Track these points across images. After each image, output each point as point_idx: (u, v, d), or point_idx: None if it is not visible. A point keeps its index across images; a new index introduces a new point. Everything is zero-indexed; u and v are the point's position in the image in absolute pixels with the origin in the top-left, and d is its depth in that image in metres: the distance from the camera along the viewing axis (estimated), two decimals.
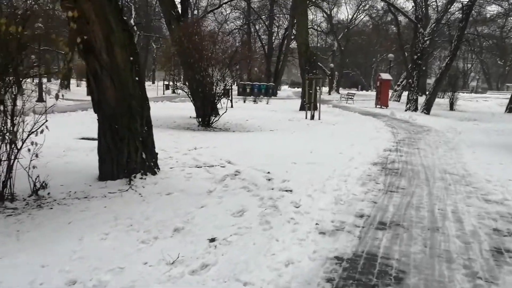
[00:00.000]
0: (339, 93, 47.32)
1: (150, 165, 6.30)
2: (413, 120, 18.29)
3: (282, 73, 45.39)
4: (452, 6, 36.80)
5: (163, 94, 33.51)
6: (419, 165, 7.99)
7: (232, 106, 21.56)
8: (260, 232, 4.24)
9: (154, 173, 6.33)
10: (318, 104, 17.01)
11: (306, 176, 6.59)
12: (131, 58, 6.02)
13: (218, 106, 13.77)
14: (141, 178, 6.08)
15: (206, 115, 12.95)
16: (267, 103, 26.62)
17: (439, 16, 34.74)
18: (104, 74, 5.78)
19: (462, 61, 65.05)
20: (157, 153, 6.64)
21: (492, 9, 54.50)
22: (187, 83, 12.81)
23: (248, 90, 36.30)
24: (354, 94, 32.57)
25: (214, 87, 12.82)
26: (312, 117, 16.41)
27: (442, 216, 4.94)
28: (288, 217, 4.65)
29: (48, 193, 5.29)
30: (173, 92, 32.64)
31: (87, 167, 6.48)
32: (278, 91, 50.31)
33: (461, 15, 22.35)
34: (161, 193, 5.60)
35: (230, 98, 21.81)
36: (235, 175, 6.68)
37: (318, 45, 65.51)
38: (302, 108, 19.55)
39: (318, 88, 17.36)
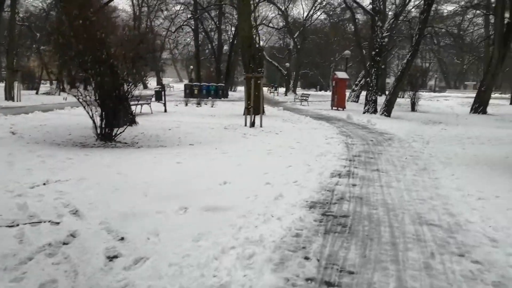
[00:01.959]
0: (296, 93, 44.88)
1: None
2: (372, 125, 15.80)
3: (233, 73, 42.48)
4: (411, 2, 35.32)
5: None
6: (379, 205, 5.24)
7: (165, 111, 18.49)
8: None
9: None
10: (261, 108, 14.19)
11: (185, 245, 3.71)
12: None
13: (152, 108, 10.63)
14: None
15: (107, 126, 9.85)
16: (212, 106, 23.63)
17: (398, 11, 32.94)
18: None
19: (421, 60, 64.34)
20: None
21: (449, 7, 53.83)
22: (77, 84, 9.71)
23: (196, 91, 33.19)
24: (309, 95, 30.03)
25: (118, 88, 9.73)
26: (253, 124, 13.57)
27: None
28: None
29: None
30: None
31: None
32: (233, 92, 47.45)
33: (422, 6, 20.15)
34: None
35: (163, 102, 18.73)
36: (64, 244, 3.79)
37: (277, 45, 63.21)
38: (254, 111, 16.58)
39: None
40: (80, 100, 9.54)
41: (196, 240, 3.82)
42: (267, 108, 23.82)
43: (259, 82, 14.53)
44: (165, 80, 70.53)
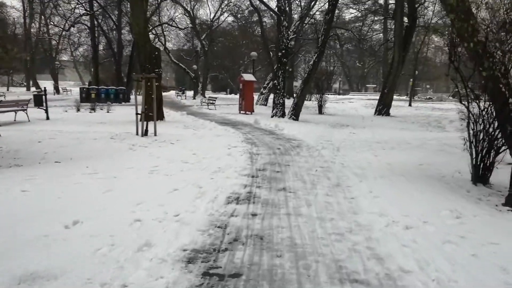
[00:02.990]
0: (205, 97, 43.27)
1: None
2: (280, 130, 14.74)
3: None
4: (315, 6, 35.58)
5: None
6: (286, 248, 3.86)
7: (48, 118, 15.86)
8: None
9: None
10: (154, 114, 12.37)
11: None
12: None
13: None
14: None
15: None
16: (107, 112, 21.20)
17: (303, 14, 32.87)
18: None
19: (325, 64, 66.18)
20: None
21: (351, 13, 56.02)
22: None
23: (93, 95, 30.17)
24: (216, 98, 28.61)
25: None
26: (145, 133, 11.73)
27: None
28: None
29: None
30: None
31: None
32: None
33: (327, 7, 19.68)
34: None
35: (44, 108, 16.09)
36: None
37: (186, 47, 61.01)
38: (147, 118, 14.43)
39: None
40: None
41: None
42: (170, 112, 22.02)
43: (155, 84, 12.68)
44: (64, 84, 65.03)
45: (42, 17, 48.63)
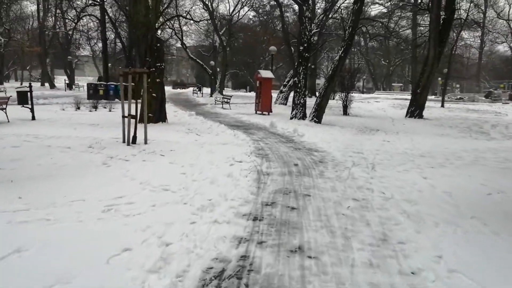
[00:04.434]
0: (222, 94, 41.10)
1: None
2: (300, 135, 12.45)
3: None
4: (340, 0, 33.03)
5: None
6: None
7: (33, 118, 13.90)
8: None
9: None
10: (145, 116, 10.22)
11: None
12: None
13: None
14: None
15: None
16: (109, 110, 19.26)
17: (327, 7, 30.42)
18: None
19: (349, 62, 63.30)
20: None
21: (376, 9, 53.24)
22: None
23: (101, 91, 28.36)
24: (231, 96, 26.36)
25: None
26: (133, 140, 9.59)
27: None
28: None
29: None
30: None
31: None
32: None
33: None
34: None
35: (30, 106, 14.13)
36: None
37: (206, 43, 59.07)
38: (141, 120, 12.10)
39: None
40: None
41: None
42: (178, 112, 19.99)
43: (147, 80, 10.57)
44: (83, 79, 63.90)
45: (58, 10, 47.50)
